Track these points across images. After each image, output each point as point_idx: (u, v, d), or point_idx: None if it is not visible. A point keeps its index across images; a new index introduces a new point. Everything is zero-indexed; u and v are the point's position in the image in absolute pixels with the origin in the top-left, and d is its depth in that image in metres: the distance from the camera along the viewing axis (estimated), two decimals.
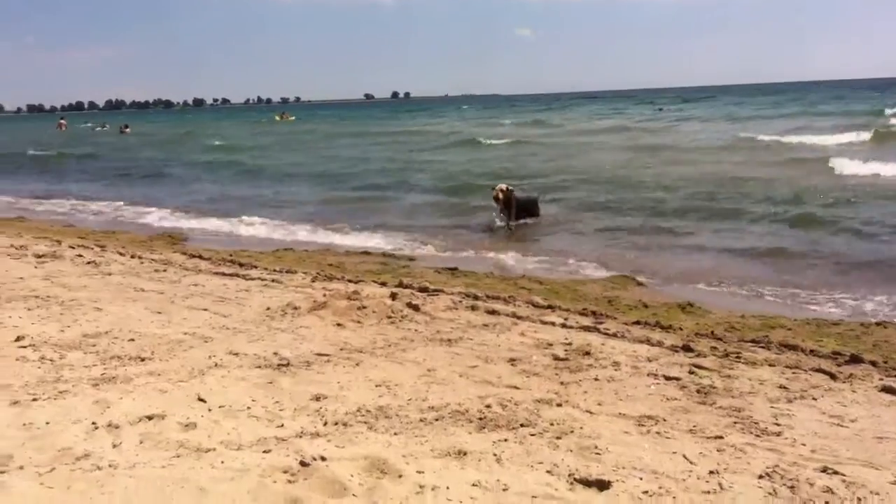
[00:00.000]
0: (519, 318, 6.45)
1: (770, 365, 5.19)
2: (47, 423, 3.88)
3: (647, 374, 4.93)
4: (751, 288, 8.20)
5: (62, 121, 76.87)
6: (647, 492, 3.25)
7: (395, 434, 3.85)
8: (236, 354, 5.18)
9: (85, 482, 3.22)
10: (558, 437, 3.84)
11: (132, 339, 5.46)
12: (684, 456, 3.63)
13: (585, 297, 7.56)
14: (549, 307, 6.90)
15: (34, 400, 4.21)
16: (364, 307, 6.48)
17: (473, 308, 6.76)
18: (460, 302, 6.96)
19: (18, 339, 5.40)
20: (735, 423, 4.09)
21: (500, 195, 13.08)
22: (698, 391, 4.60)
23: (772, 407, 4.35)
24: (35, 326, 5.78)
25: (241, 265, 8.88)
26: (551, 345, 5.60)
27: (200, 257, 9.44)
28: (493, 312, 6.60)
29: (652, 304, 7.33)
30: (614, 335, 5.96)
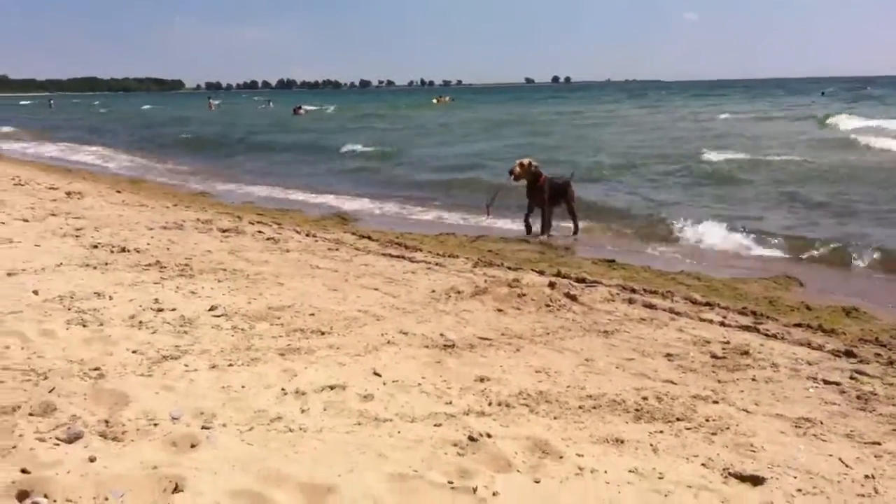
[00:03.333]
0: (676, 313, 6.53)
1: None
2: (243, 386, 4.34)
3: (807, 378, 4.95)
4: None
5: (211, 100, 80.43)
6: (800, 490, 3.36)
7: (555, 418, 4.09)
8: (406, 333, 5.55)
9: (279, 441, 3.63)
10: (714, 433, 3.97)
11: (312, 314, 5.93)
12: (840, 459, 3.69)
13: (745, 297, 7.50)
14: (708, 304, 6.92)
15: (230, 365, 4.69)
16: (524, 294, 6.74)
17: (630, 301, 6.88)
18: (617, 294, 7.10)
19: (212, 308, 5.97)
20: (894, 430, 4.09)
21: (519, 169, 11.16)
22: (858, 397, 4.59)
23: None
24: (225, 297, 6.36)
25: (406, 247, 9.32)
26: (709, 342, 5.67)
27: (369, 238, 9.97)
28: (650, 307, 6.71)
29: (815, 306, 7.20)
30: (774, 336, 5.95)
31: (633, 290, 7.28)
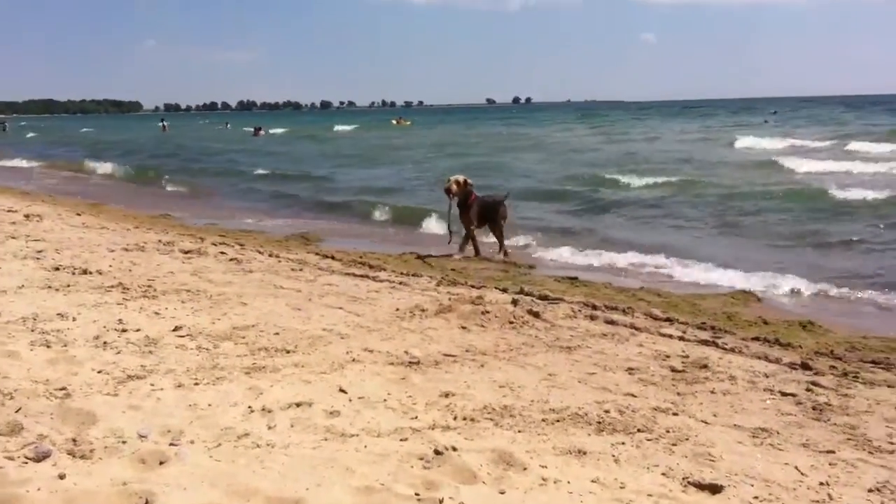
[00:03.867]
0: (637, 329, 6.66)
1: (889, 386, 5.25)
2: (209, 404, 4.36)
3: (764, 390, 5.09)
4: (877, 308, 8.14)
5: (164, 122, 78.53)
6: (757, 497, 3.47)
7: (519, 431, 4.16)
8: (371, 351, 5.60)
9: (247, 457, 3.66)
10: (674, 444, 4.07)
11: (277, 333, 5.96)
12: (796, 467, 3.81)
13: (704, 312, 7.66)
14: (668, 320, 7.07)
15: (196, 384, 4.70)
16: (487, 312, 6.82)
17: (592, 318, 7.00)
18: (579, 311, 7.21)
19: (176, 328, 5.96)
20: (849, 439, 4.23)
21: (455, 188, 10.89)
22: (814, 408, 4.74)
23: (887, 426, 4.45)
24: (189, 318, 6.35)
25: (370, 267, 9.37)
26: (669, 356, 5.80)
27: (333, 258, 10.00)
28: (611, 322, 6.84)
29: (772, 321, 7.38)
30: (732, 350, 6.11)
31: (595, 307, 7.40)
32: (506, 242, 11.27)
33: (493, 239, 11.46)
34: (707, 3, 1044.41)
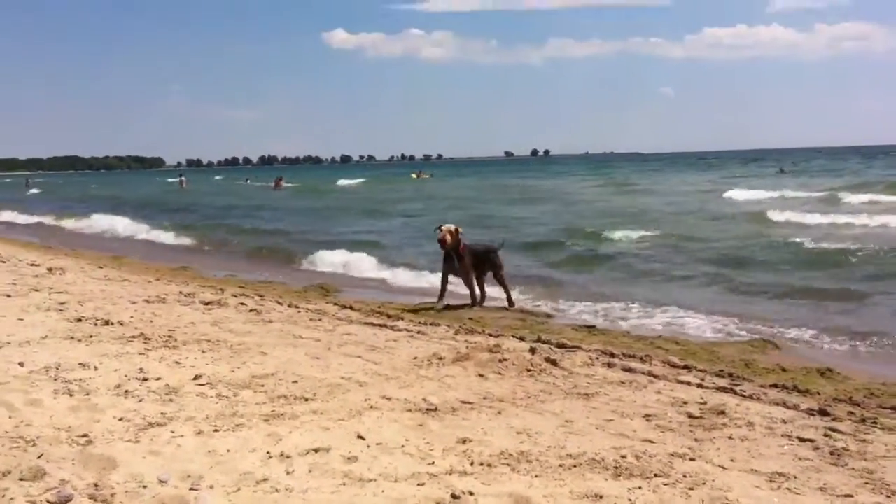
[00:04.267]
0: (655, 376, 6.67)
1: None
2: (228, 450, 4.41)
3: (782, 435, 5.07)
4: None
5: (182, 178, 77.72)
6: None
7: (536, 476, 4.17)
8: (389, 398, 5.64)
9: (266, 501, 3.70)
10: (691, 489, 4.07)
11: (295, 381, 6.01)
12: None
13: (722, 359, 7.67)
14: (686, 367, 7.07)
15: (215, 431, 4.76)
16: (505, 360, 6.85)
17: (610, 365, 7.02)
18: (597, 359, 7.24)
19: (196, 377, 6.04)
20: (866, 483, 4.21)
21: (449, 238, 10.57)
22: (831, 453, 4.72)
23: None
24: (209, 367, 6.43)
25: (388, 317, 9.44)
26: (686, 403, 5.80)
27: (351, 308, 10.09)
28: (629, 370, 6.85)
29: (790, 368, 7.38)
30: (750, 397, 6.10)
31: (613, 355, 7.42)
32: (511, 293, 11.12)
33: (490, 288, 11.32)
34: (726, 57, 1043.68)
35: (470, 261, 10.71)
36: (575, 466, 4.35)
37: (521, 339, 8.19)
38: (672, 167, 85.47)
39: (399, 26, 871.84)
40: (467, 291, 11.18)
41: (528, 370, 6.64)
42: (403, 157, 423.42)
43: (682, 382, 6.51)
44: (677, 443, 4.86)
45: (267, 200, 44.68)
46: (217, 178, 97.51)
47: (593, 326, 9.41)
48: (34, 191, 72.70)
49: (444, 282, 11.05)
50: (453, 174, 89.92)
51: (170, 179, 79.94)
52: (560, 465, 4.35)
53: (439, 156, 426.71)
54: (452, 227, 10.71)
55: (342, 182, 71.95)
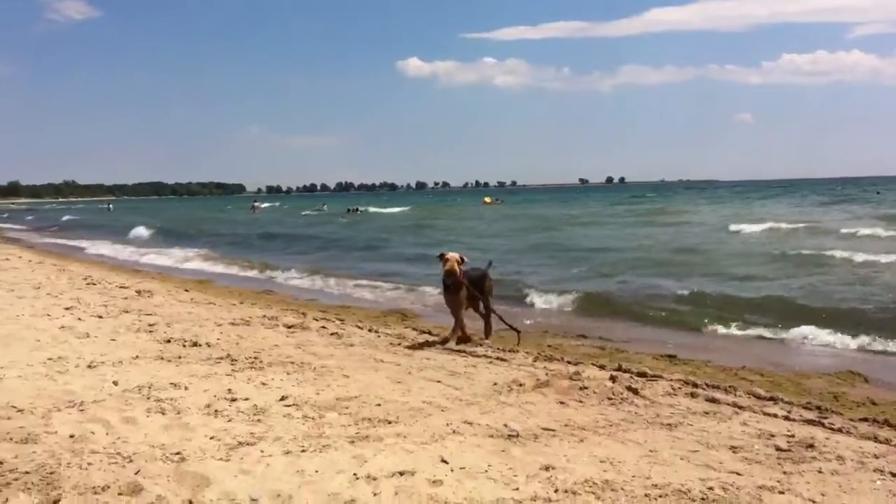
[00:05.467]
0: (740, 407, 6.54)
1: None
2: (316, 471, 4.51)
3: (874, 470, 4.92)
4: None
5: (256, 203, 79.49)
6: None
7: None
8: (470, 423, 5.67)
9: None
10: None
11: (378, 405, 6.10)
12: None
13: (809, 391, 7.49)
14: (772, 399, 6.92)
15: (303, 451, 4.87)
16: (585, 387, 6.82)
17: (693, 395, 6.92)
18: (679, 388, 7.14)
19: (283, 398, 6.18)
20: None
21: (456, 267, 9.32)
22: None
23: None
24: (295, 388, 6.57)
25: (465, 342, 9.47)
26: (774, 435, 5.67)
27: (430, 333, 10.15)
28: (713, 401, 6.74)
29: (880, 401, 7.15)
30: (839, 430, 5.93)
31: (696, 385, 7.30)
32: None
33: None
34: (806, 83, 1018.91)
35: (470, 290, 9.62)
36: (661, 497, 4.31)
37: (601, 367, 8.13)
38: (759, 194, 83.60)
39: (472, 54, 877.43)
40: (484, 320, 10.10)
41: (610, 398, 6.60)
42: (477, 183, 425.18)
43: (768, 414, 6.38)
44: (765, 475, 4.77)
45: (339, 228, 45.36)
46: (281, 205, 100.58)
47: (674, 356, 9.28)
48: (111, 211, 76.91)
49: (477, 310, 10.03)
50: (521, 200, 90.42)
51: (253, 205, 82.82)
52: (646, 495, 4.31)
53: (513, 182, 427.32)
54: (457, 254, 9.58)
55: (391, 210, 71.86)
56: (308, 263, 22.33)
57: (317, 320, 10.93)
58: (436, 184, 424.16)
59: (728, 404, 6.64)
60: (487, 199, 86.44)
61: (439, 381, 7.10)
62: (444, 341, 9.45)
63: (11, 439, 4.79)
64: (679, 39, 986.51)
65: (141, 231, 41.74)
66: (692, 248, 23.61)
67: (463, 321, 9.62)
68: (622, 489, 4.39)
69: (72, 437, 4.92)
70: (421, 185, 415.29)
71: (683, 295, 14.11)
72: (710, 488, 4.46)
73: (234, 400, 6.03)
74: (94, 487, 4.02)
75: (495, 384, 7.01)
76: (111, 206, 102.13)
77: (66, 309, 10.78)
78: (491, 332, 9.97)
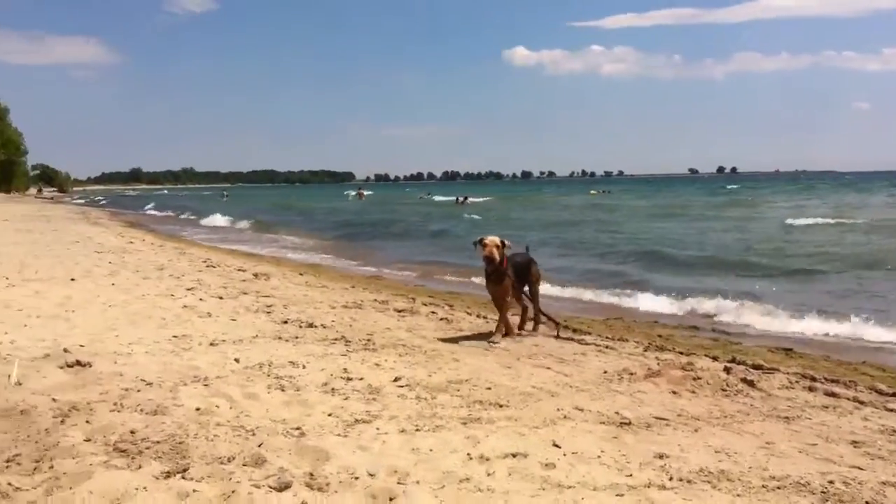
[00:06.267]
0: (861, 402, 6.33)
1: None
2: (430, 450, 4.61)
3: None
4: None
5: (361, 190, 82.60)
6: None
7: (738, 496, 4.09)
8: (581, 410, 5.68)
9: (470, 500, 3.85)
10: None
11: (489, 388, 6.18)
12: None
13: None
14: (894, 395, 6.66)
15: (417, 430, 4.98)
16: (698, 378, 6.72)
17: (811, 389, 6.73)
18: (796, 382, 6.95)
19: (396, 379, 6.33)
20: None
21: (496, 252, 8.37)
22: None
23: None
24: (407, 370, 6.71)
25: (574, 330, 9.45)
26: None
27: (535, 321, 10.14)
28: (832, 395, 6.54)
29: None
30: None
31: (814, 379, 7.10)
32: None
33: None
34: None
35: (512, 278, 8.79)
36: (779, 489, 4.23)
37: (715, 358, 7.98)
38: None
39: (579, 43, 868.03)
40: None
41: (724, 390, 6.49)
42: (584, 173, 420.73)
43: (890, 410, 6.15)
44: (889, 471, 4.61)
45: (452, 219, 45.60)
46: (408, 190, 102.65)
47: (791, 349, 9.02)
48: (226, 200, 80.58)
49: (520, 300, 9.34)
50: (628, 192, 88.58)
51: (347, 192, 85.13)
52: (763, 486, 4.24)
53: (620, 172, 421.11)
54: (497, 238, 8.58)
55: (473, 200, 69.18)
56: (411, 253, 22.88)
57: (426, 305, 11.10)
58: (542, 173, 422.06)
59: (848, 399, 6.43)
60: (593, 192, 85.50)
61: (549, 368, 7.12)
62: (489, 335, 8.61)
63: (142, 411, 5.05)
64: (794, 25, 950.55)
65: (250, 219, 43.22)
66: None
67: (507, 310, 8.89)
68: (738, 479, 4.33)
69: (198, 409, 5.16)
70: (526, 175, 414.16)
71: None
72: (831, 482, 4.35)
73: (349, 379, 6.21)
74: (220, 458, 4.22)
75: (605, 372, 6.99)
76: (226, 193, 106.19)
77: (188, 290, 11.26)
78: (539, 324, 9.38)
